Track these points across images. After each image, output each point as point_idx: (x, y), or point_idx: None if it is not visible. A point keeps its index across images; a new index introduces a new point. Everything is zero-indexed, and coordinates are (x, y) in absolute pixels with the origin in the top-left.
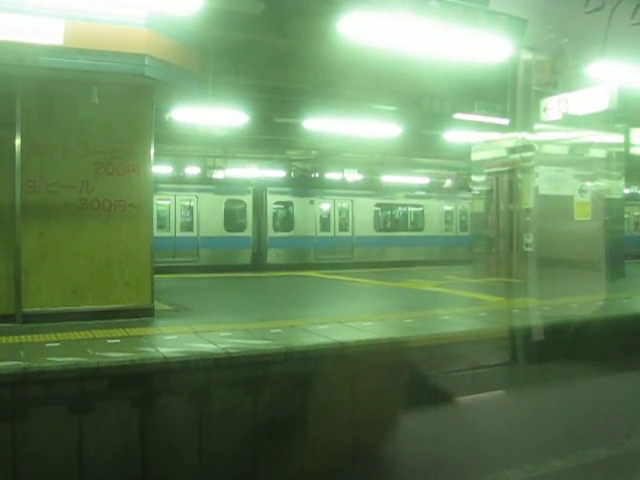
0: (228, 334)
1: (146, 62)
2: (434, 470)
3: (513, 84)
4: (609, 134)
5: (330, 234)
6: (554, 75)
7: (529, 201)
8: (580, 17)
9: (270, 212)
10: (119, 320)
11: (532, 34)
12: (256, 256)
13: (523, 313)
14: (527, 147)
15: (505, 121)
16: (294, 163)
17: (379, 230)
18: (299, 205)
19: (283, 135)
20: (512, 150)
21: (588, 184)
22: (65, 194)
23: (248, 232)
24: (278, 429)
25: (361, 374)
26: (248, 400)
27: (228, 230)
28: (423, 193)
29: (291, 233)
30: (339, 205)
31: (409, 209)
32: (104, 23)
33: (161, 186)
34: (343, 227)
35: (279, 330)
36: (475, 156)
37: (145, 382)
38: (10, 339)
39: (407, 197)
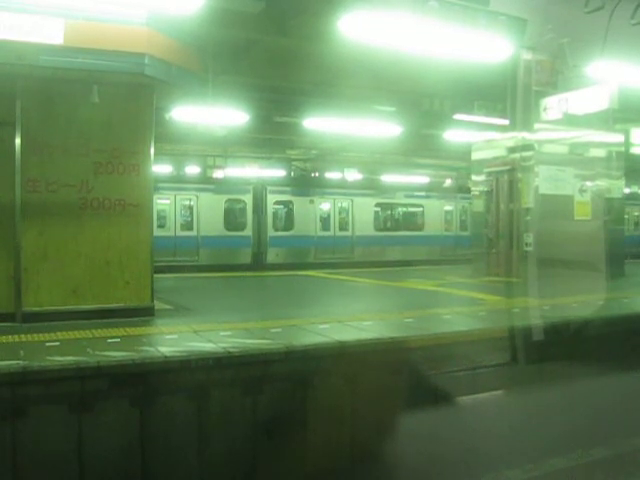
0: (228, 333)
1: (146, 61)
2: (434, 470)
3: (513, 84)
4: (609, 134)
5: (330, 233)
6: (554, 75)
7: (529, 200)
8: (580, 17)
9: (270, 211)
10: (119, 319)
11: (532, 34)
12: (256, 255)
13: (523, 313)
14: (527, 146)
15: (505, 121)
16: (294, 162)
17: (379, 230)
18: (299, 204)
19: (283, 134)
20: (512, 149)
21: (588, 184)
22: (65, 193)
23: (248, 231)
24: (278, 428)
25: (361, 374)
26: (248, 399)
27: (228, 229)
28: (423, 193)
29: (291, 232)
30: (339, 204)
31: (409, 209)
32: (104, 22)
33: (161, 185)
34: (343, 226)
35: (279, 329)
36: (475, 155)
37: (145, 381)
38: (10, 338)
39: (407, 197)
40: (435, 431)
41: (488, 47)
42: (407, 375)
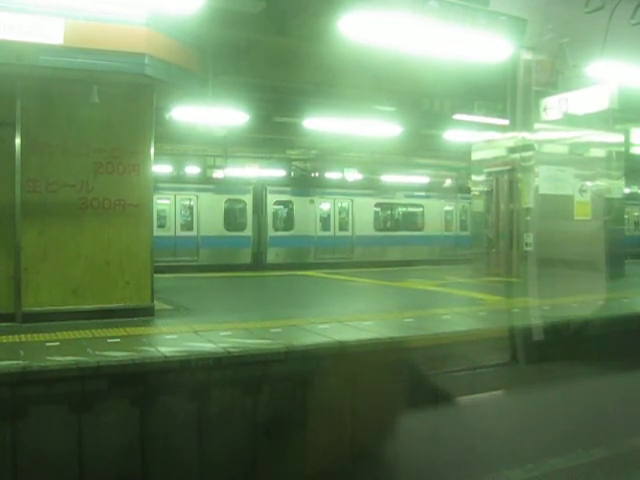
0: (228, 333)
1: (146, 61)
2: (434, 470)
3: (513, 84)
4: (609, 134)
5: (330, 233)
6: (554, 75)
7: (529, 200)
8: (580, 17)
9: (270, 211)
10: (119, 319)
11: (532, 34)
12: (256, 255)
13: (523, 313)
14: (527, 147)
15: (505, 121)
16: (294, 162)
17: (379, 230)
18: (299, 204)
19: (283, 134)
20: (512, 149)
21: (588, 184)
22: (65, 193)
23: (248, 231)
24: (278, 429)
25: (361, 374)
26: (248, 399)
27: (228, 229)
28: (423, 193)
29: (291, 232)
30: (339, 204)
31: (409, 209)
32: (104, 22)
33: (161, 185)
34: (343, 226)
35: (279, 329)
36: (475, 156)
37: (145, 381)
38: (10, 338)
39: (407, 197)
40: (435, 431)
41: (488, 47)
42: (407, 375)
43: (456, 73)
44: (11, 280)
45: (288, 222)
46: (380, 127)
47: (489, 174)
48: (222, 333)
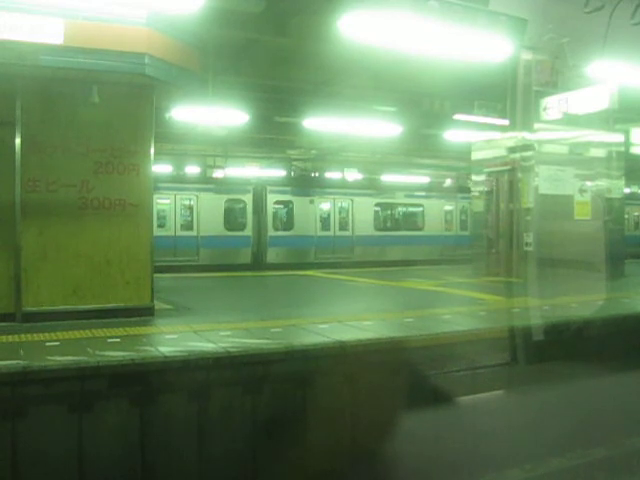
0: (228, 333)
1: (146, 61)
2: (434, 470)
3: (513, 84)
4: (609, 134)
5: (330, 233)
6: (554, 75)
7: (529, 200)
8: (580, 17)
9: (270, 211)
10: (119, 319)
11: (532, 34)
12: (256, 255)
13: (523, 313)
14: (527, 146)
15: (505, 121)
16: (294, 162)
17: (379, 229)
18: (299, 204)
19: (283, 134)
20: (512, 149)
21: (588, 183)
22: (65, 193)
23: (248, 231)
24: (278, 428)
25: (361, 373)
26: (248, 399)
27: (228, 229)
28: (423, 193)
29: (291, 232)
30: (339, 204)
31: (409, 208)
32: (104, 22)
33: (161, 185)
34: (343, 226)
35: (279, 329)
36: (475, 155)
37: (145, 381)
38: (10, 338)
39: (407, 196)
40: (435, 431)
41: (488, 47)
42: (407, 375)
43: (456, 73)
44: (11, 280)
45: (288, 222)
46: (380, 127)
47: (489, 174)
48: (222, 333)
